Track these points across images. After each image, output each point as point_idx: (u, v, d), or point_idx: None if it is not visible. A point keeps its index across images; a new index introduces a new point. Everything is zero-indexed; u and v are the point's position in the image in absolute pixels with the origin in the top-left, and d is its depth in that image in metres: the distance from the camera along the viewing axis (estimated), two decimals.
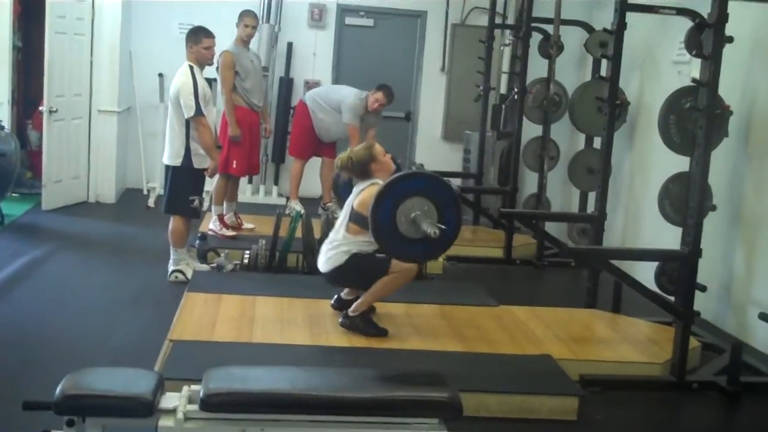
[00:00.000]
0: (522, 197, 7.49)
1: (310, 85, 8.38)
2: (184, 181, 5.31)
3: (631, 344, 4.48)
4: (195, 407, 2.56)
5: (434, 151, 8.73)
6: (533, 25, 6.76)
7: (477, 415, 3.42)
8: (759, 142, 5.00)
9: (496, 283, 5.81)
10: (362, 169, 4.34)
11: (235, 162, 6.45)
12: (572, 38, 7.13)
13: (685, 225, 4.19)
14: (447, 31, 8.79)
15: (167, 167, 5.39)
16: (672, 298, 4.31)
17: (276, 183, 8.61)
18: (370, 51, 8.82)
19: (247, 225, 6.62)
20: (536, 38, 6.92)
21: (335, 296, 4.54)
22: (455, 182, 6.21)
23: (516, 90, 6.80)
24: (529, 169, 7.24)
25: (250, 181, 8.34)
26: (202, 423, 2.55)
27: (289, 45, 8.56)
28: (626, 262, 5.27)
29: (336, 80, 8.59)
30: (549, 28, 6.79)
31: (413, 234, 3.88)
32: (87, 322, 4.63)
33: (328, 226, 5.01)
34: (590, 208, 6.04)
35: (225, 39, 6.28)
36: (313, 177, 7.56)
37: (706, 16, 4.06)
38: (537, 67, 6.90)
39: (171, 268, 5.42)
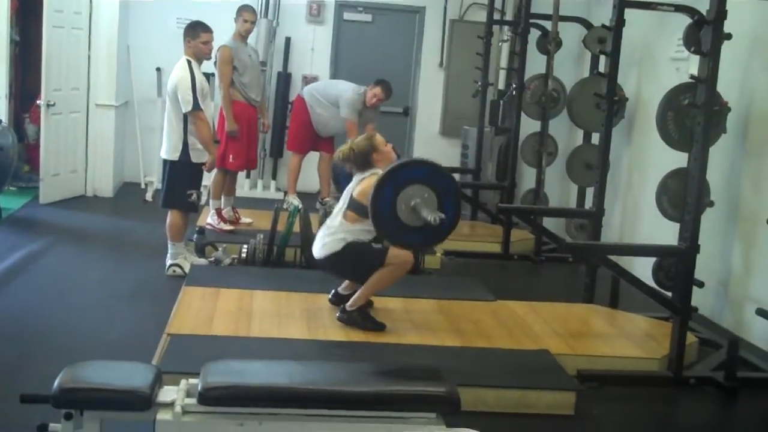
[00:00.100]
0: (520, 193, 7.48)
1: (308, 80, 8.38)
2: (181, 176, 5.31)
3: (629, 339, 4.48)
4: (193, 401, 2.56)
5: (432, 146, 8.71)
6: (532, 21, 6.75)
7: (475, 409, 3.42)
8: (757, 139, 5.00)
9: (493, 278, 5.80)
10: (364, 159, 4.33)
11: (232, 156, 6.45)
12: (571, 34, 7.12)
13: (683, 221, 4.19)
14: (445, 26, 8.77)
15: (165, 161, 5.39)
16: (669, 294, 4.32)
17: (274, 177, 8.60)
18: (369, 46, 8.80)
19: (244, 219, 6.61)
20: (534, 34, 6.91)
21: (333, 291, 4.54)
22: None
23: (514, 86, 6.79)
24: (527, 165, 7.23)
25: (248, 176, 8.34)
26: (200, 416, 2.56)
27: (287, 40, 8.55)
28: (624, 257, 5.29)
29: (334, 75, 8.58)
30: (547, 24, 6.79)
31: (413, 221, 3.88)
32: (84, 315, 4.63)
33: (326, 220, 5.00)
34: (588, 203, 6.05)
35: (223, 34, 6.26)
36: (311, 172, 7.55)
37: (704, 13, 4.06)
38: (535, 63, 6.89)
39: (169, 262, 5.43)
